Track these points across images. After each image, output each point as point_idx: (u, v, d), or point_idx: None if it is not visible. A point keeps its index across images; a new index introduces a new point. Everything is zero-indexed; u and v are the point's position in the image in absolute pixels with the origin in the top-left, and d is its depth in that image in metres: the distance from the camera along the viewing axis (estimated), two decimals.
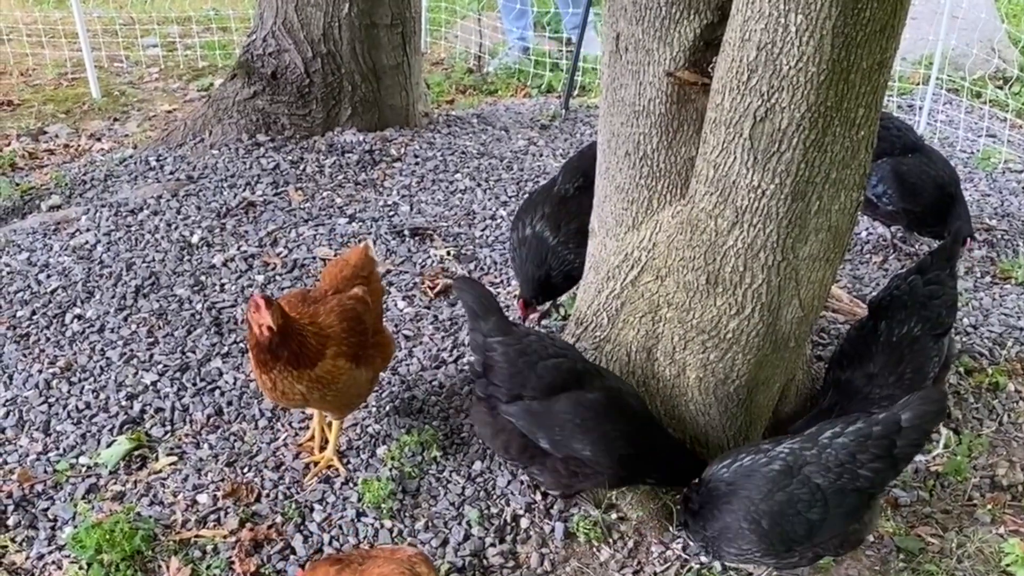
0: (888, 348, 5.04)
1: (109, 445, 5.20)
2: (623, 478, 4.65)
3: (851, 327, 5.46)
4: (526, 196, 6.64)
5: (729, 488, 4.19)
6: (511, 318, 5.74)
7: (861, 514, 4.24)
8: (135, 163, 8.42)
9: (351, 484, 4.99)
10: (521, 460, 4.65)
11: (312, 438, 5.23)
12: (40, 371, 5.73)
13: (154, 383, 5.65)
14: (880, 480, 4.20)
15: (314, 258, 6.90)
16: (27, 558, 4.60)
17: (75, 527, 4.68)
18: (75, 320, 6.20)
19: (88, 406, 5.50)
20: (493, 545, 4.69)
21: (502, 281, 6.69)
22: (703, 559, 4.63)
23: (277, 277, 6.67)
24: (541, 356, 4.50)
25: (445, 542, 4.69)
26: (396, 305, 6.39)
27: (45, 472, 5.07)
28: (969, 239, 6.94)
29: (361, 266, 5.06)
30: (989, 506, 5.05)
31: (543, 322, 6.23)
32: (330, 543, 4.67)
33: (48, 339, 6.04)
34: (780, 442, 4.28)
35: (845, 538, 4.28)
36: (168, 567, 4.53)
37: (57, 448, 5.23)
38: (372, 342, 4.94)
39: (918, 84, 10.62)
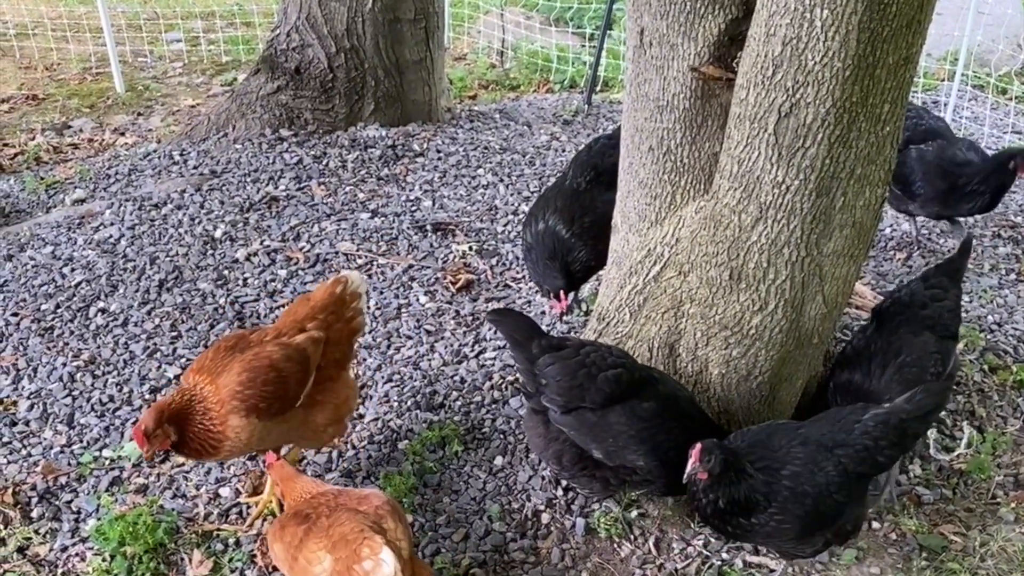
0: (887, 345, 4.99)
1: (132, 438, 5.22)
2: (675, 487, 4.60)
3: (855, 333, 5.39)
4: (538, 195, 6.62)
5: (778, 463, 4.17)
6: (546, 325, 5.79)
7: (865, 499, 4.30)
8: (159, 157, 8.45)
9: (372, 478, 4.99)
10: (573, 471, 4.64)
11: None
12: (64, 364, 5.76)
13: (177, 377, 5.67)
14: (889, 465, 4.33)
15: (336, 253, 6.91)
16: (51, 550, 4.63)
17: (98, 519, 4.71)
18: (99, 314, 6.23)
19: (112, 399, 5.53)
20: (514, 540, 4.69)
21: (523, 276, 6.68)
22: (724, 556, 4.62)
23: (300, 272, 6.69)
24: (601, 367, 4.44)
25: (466, 537, 4.69)
26: (418, 300, 6.40)
27: (69, 465, 5.10)
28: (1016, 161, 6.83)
29: (323, 306, 4.75)
30: (1013, 504, 5.02)
31: (565, 318, 6.22)
32: None
33: (72, 332, 6.07)
34: (803, 424, 4.32)
35: (856, 524, 4.31)
36: (191, 560, 4.55)
37: (81, 441, 5.25)
38: (324, 387, 4.69)
39: (943, 80, 10.56)
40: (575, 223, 5.89)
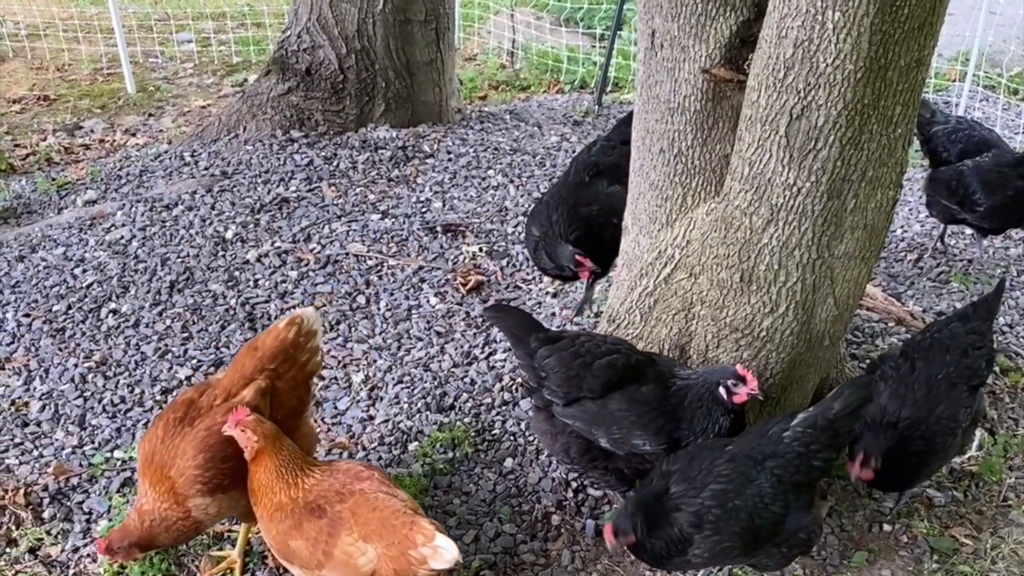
0: (926, 391, 4.70)
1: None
2: None
3: (887, 364, 5.01)
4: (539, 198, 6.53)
5: (699, 486, 4.09)
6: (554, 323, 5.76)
7: (812, 506, 4.22)
8: (170, 158, 8.47)
9: None
10: (582, 463, 4.64)
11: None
12: (76, 365, 5.78)
13: (188, 378, 5.69)
14: (827, 469, 4.23)
15: (347, 254, 6.91)
16: (62, 551, 4.64)
17: (110, 520, 4.72)
18: (110, 315, 6.24)
19: (123, 400, 5.54)
20: (524, 542, 4.69)
21: (534, 277, 6.68)
22: None
23: (310, 273, 6.69)
24: (596, 355, 4.48)
25: (477, 538, 4.68)
26: (428, 301, 6.40)
27: (80, 465, 5.11)
28: None
29: (272, 355, 4.37)
30: None
31: (575, 319, 6.22)
32: None
33: (84, 333, 6.08)
34: (731, 441, 4.25)
35: (810, 532, 4.21)
36: (202, 561, 4.55)
37: (92, 442, 5.27)
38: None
39: (954, 81, 10.53)
40: (581, 210, 5.89)
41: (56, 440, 5.28)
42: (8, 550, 4.63)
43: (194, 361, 5.82)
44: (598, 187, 6.02)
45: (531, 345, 4.56)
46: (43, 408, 5.49)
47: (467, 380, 5.69)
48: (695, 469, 4.13)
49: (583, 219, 5.87)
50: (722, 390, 4.31)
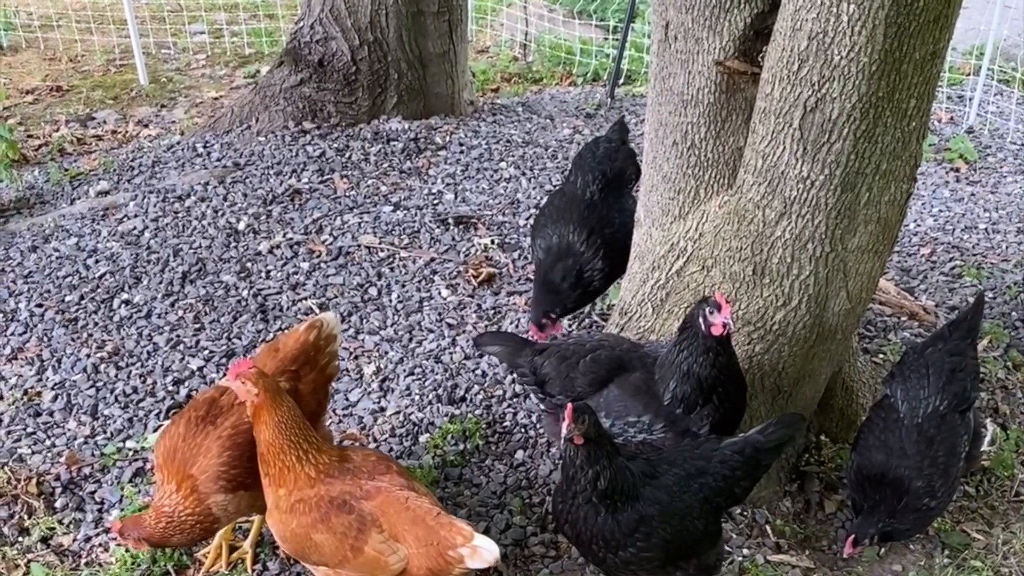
0: (915, 431, 4.56)
1: (156, 429, 5.24)
2: None
3: (871, 409, 4.90)
4: (546, 202, 6.31)
5: (650, 480, 4.01)
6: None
7: (720, 535, 4.20)
8: (182, 149, 8.47)
9: None
10: None
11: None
12: (88, 355, 5.79)
13: (200, 369, 5.70)
14: (742, 498, 4.22)
15: (359, 246, 6.91)
16: (74, 540, 4.66)
17: (122, 510, 4.74)
18: (123, 305, 6.25)
19: (135, 391, 5.55)
20: (535, 534, 4.69)
21: None
22: (745, 551, 4.60)
23: (322, 265, 6.70)
24: (580, 355, 4.56)
25: (487, 530, 4.68)
26: (440, 293, 6.40)
27: (92, 455, 5.13)
28: None
29: (293, 357, 4.39)
30: None
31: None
32: None
33: (96, 324, 6.09)
34: (664, 450, 4.24)
35: (718, 558, 4.21)
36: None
37: (104, 432, 5.28)
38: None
39: (968, 74, 10.49)
40: (593, 234, 5.65)
41: (68, 430, 5.30)
42: (20, 539, 4.66)
43: (206, 352, 5.83)
44: (611, 203, 5.80)
45: (525, 360, 4.71)
46: (55, 398, 5.50)
47: (478, 372, 5.69)
48: (648, 456, 4.17)
49: (608, 242, 5.73)
50: (701, 319, 4.19)
